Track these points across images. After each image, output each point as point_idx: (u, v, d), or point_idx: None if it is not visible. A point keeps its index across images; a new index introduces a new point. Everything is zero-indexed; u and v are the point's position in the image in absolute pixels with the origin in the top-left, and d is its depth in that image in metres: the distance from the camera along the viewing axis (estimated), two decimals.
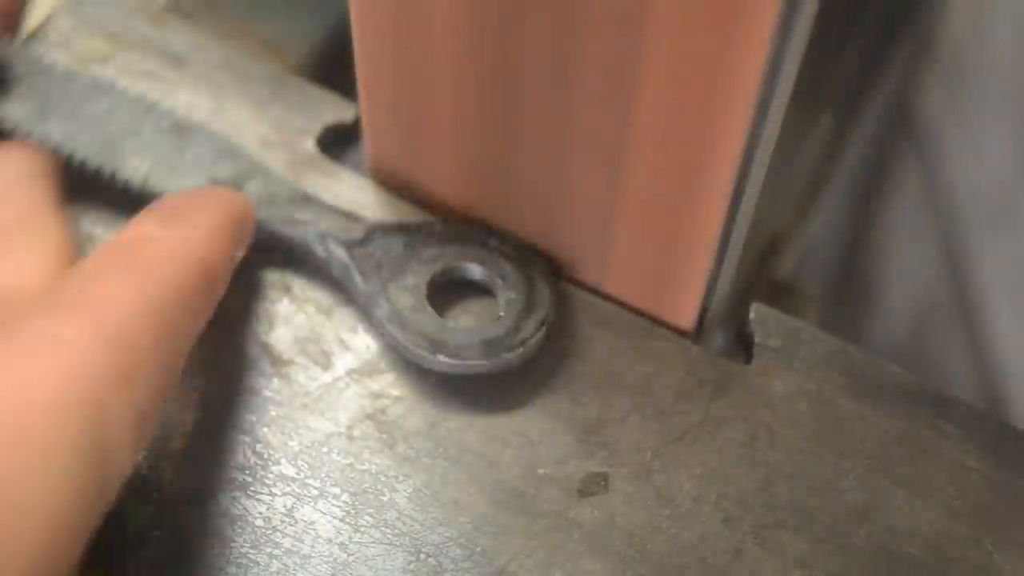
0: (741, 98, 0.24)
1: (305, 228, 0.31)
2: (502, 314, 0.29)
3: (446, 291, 0.30)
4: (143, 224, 0.27)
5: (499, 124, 0.28)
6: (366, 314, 0.30)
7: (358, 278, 0.30)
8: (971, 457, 0.29)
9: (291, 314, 0.30)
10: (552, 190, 0.29)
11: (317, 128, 0.34)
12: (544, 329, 0.29)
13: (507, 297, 0.30)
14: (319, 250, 0.30)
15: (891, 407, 0.29)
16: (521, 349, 0.29)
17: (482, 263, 0.30)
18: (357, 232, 0.30)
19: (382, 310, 0.29)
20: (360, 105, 0.31)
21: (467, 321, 0.30)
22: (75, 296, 0.24)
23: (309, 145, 0.33)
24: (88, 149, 0.31)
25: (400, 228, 0.31)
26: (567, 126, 0.27)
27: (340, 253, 0.30)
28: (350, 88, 0.31)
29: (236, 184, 0.31)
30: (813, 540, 0.28)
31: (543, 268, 0.30)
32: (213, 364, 0.30)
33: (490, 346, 0.29)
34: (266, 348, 0.30)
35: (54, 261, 0.28)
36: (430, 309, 0.29)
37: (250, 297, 0.31)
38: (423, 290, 0.30)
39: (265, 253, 0.31)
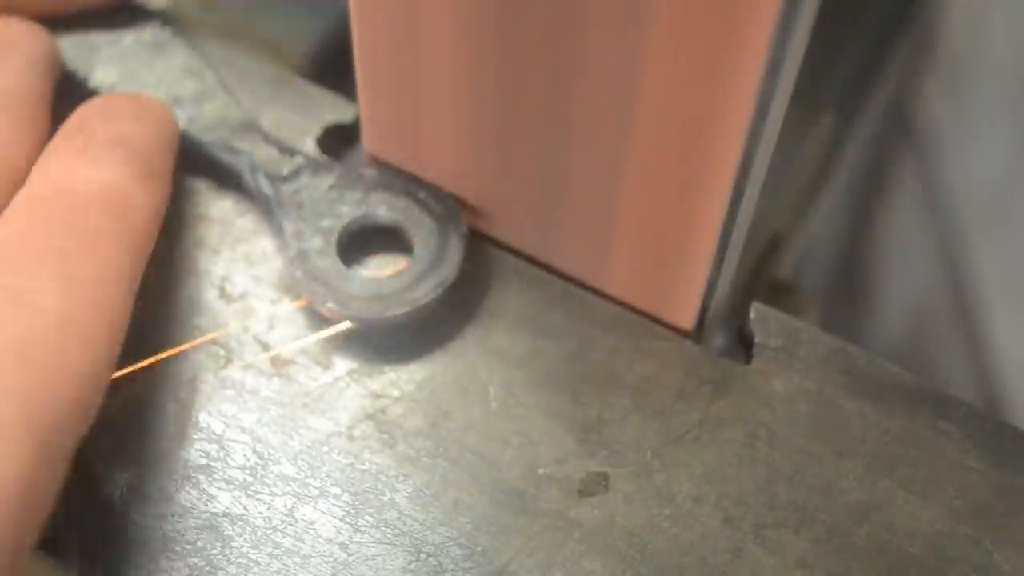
0: (741, 98, 0.24)
1: (239, 157, 0.31)
2: (406, 269, 0.30)
3: (365, 237, 0.31)
4: (115, 168, 0.28)
5: (498, 124, 0.28)
6: (283, 251, 0.31)
7: (279, 213, 0.30)
8: (971, 457, 0.29)
9: (291, 313, 0.30)
10: (552, 190, 0.29)
11: (317, 128, 0.34)
12: (441, 291, 0.29)
13: (417, 253, 0.30)
14: (249, 180, 0.31)
15: (891, 407, 0.29)
16: (408, 308, 0.29)
17: (400, 215, 0.31)
18: (287, 167, 0.31)
19: (291, 249, 0.30)
20: (360, 104, 0.31)
21: (372, 272, 0.31)
22: (72, 265, 0.25)
23: (309, 145, 0.33)
24: (69, 50, 0.32)
25: (331, 169, 0.31)
26: (567, 127, 0.27)
27: (265, 186, 0.31)
28: (350, 88, 0.31)
29: (196, 103, 0.32)
30: (813, 540, 0.28)
31: (461, 228, 0.30)
32: (213, 364, 0.30)
33: (380, 301, 0.29)
34: (266, 348, 0.30)
35: (34, 142, 0.29)
36: (335, 254, 0.30)
37: (250, 296, 0.31)
38: (335, 234, 0.30)
39: (206, 174, 0.32)
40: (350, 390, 0.29)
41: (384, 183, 0.31)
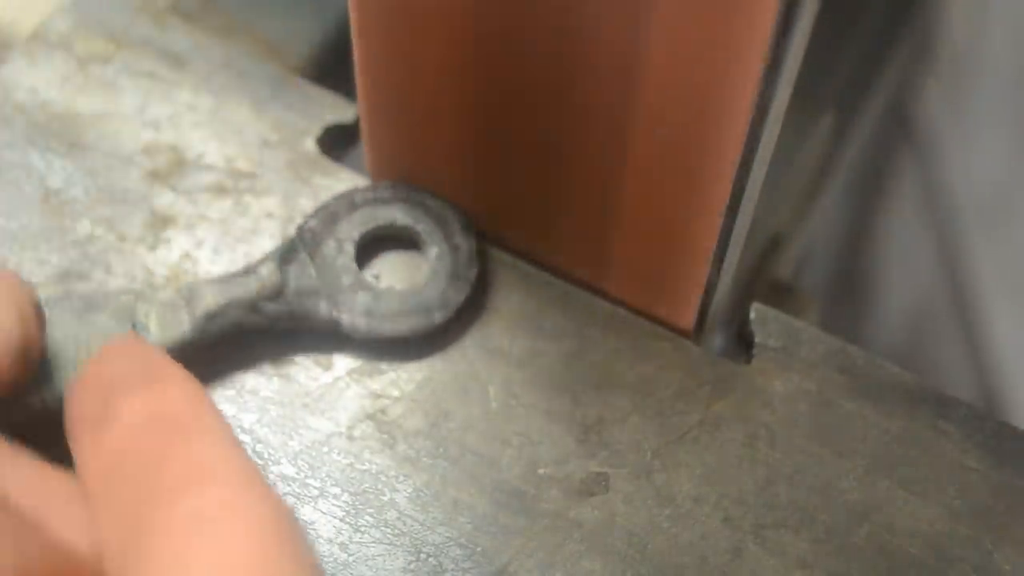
0: (741, 98, 0.24)
1: (228, 312, 0.29)
2: (435, 249, 0.30)
3: (369, 256, 0.31)
4: (132, 400, 0.23)
5: (497, 125, 0.28)
6: (336, 338, 0.30)
7: (311, 313, 0.29)
8: (971, 457, 0.29)
9: None
10: (552, 190, 0.29)
11: (317, 128, 0.34)
12: (476, 239, 0.30)
13: (427, 237, 0.31)
14: (258, 320, 0.29)
15: (891, 407, 0.29)
16: (477, 269, 0.30)
17: (396, 216, 0.31)
18: (272, 277, 0.29)
19: (359, 322, 0.29)
20: (360, 105, 0.31)
21: (411, 274, 0.31)
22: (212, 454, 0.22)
23: (309, 145, 0.33)
24: None
25: (293, 248, 0.30)
26: (566, 128, 0.27)
27: (273, 309, 0.29)
28: (350, 88, 0.31)
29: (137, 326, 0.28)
30: (813, 540, 0.28)
31: (427, 194, 0.31)
32: (212, 365, 0.30)
33: (456, 283, 0.30)
34: (266, 348, 0.30)
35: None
36: (392, 290, 0.30)
37: None
38: (365, 280, 0.30)
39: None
40: (350, 390, 0.29)
41: (332, 216, 0.31)
